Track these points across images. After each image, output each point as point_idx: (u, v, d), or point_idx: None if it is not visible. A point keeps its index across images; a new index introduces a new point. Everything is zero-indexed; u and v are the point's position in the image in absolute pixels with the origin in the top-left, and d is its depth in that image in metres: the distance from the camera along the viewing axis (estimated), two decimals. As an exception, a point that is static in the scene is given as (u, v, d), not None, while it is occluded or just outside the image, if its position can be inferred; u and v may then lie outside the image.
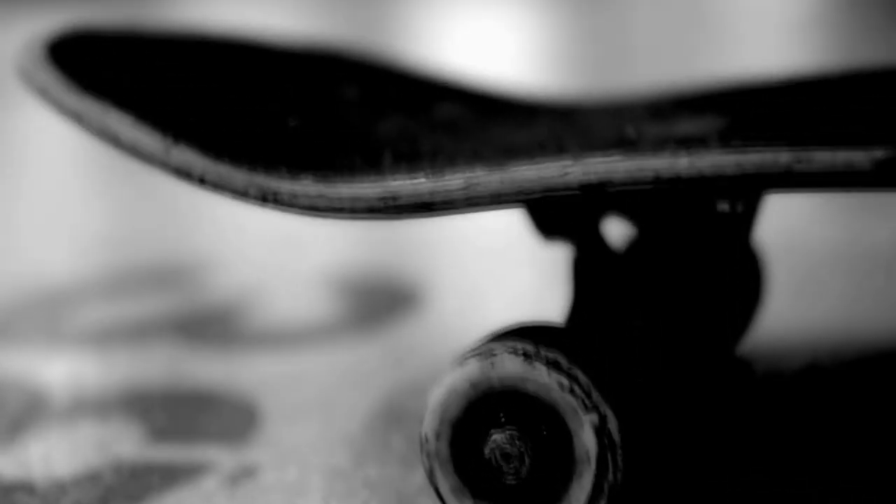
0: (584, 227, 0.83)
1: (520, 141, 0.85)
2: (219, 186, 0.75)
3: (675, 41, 3.26)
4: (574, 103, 1.01)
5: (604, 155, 0.68)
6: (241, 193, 0.74)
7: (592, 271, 0.84)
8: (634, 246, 0.92)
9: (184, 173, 0.75)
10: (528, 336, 0.70)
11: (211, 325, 1.33)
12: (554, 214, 0.82)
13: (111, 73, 0.86)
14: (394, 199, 0.71)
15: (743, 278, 1.01)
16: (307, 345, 1.25)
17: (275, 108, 0.89)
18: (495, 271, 1.47)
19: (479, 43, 3.39)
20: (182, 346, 1.26)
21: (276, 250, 1.61)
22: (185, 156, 0.75)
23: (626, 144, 0.77)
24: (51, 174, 2.35)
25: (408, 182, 0.71)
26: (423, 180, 0.71)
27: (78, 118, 0.78)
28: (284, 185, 0.73)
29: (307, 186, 0.73)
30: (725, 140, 0.70)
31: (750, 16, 3.56)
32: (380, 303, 1.38)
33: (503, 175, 0.69)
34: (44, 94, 0.82)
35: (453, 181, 0.70)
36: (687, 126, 0.82)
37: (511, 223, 1.57)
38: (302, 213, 0.74)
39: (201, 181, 0.75)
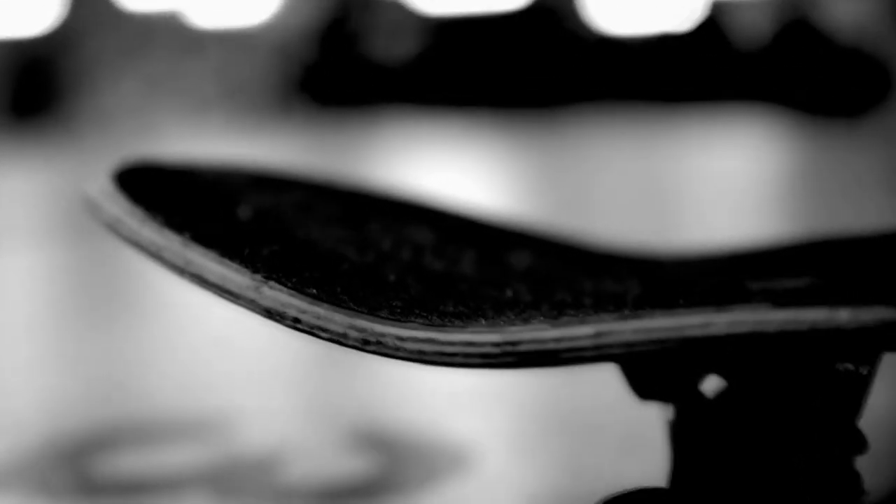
0: (687, 387, 0.80)
1: (612, 291, 0.82)
2: (315, 329, 0.71)
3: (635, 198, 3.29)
4: (651, 255, 0.99)
5: (743, 307, 0.66)
6: (340, 336, 0.70)
7: (695, 434, 0.80)
8: (736, 405, 0.88)
9: (275, 314, 0.71)
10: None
11: (246, 480, 1.29)
12: (657, 372, 0.79)
13: (186, 207, 0.83)
14: (513, 345, 0.67)
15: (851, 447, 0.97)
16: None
17: (355, 251, 0.87)
18: (529, 429, 1.43)
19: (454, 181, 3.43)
20: (217, 501, 1.22)
21: (304, 396, 1.58)
22: (278, 295, 0.71)
23: (740, 298, 0.73)
24: (52, 314, 2.33)
25: (530, 328, 0.67)
26: (547, 327, 0.67)
27: (155, 252, 0.75)
28: (390, 329, 0.69)
29: (415, 331, 0.69)
30: (836, 294, 0.68)
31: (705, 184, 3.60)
32: (417, 459, 1.34)
33: (639, 324, 0.66)
34: (116, 226, 0.80)
35: (582, 328, 0.66)
36: (788, 281, 0.79)
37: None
38: (406, 360, 0.70)
39: (295, 322, 0.71)
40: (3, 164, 9.21)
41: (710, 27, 13.23)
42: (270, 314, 0.71)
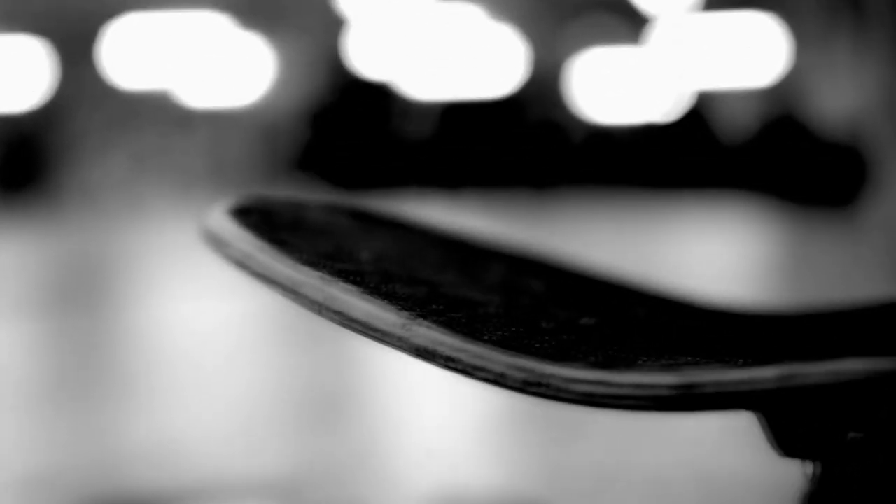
0: (834, 442, 0.76)
1: (749, 341, 0.80)
2: (471, 369, 0.66)
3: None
4: (773, 312, 0.97)
5: None
6: (498, 377, 0.66)
7: (842, 491, 0.77)
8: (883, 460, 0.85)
9: (426, 353, 0.67)
10: None
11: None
12: (805, 425, 0.75)
13: (309, 245, 0.79)
14: (690, 387, 0.64)
15: None
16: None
17: (481, 295, 0.83)
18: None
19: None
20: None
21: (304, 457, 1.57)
22: (431, 333, 0.67)
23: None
24: (34, 386, 2.32)
25: (710, 369, 0.64)
26: (730, 369, 0.64)
27: (292, 289, 0.71)
28: (557, 370, 0.65)
29: (584, 372, 0.65)
30: None
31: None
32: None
33: (829, 367, 0.64)
34: (247, 262, 0.74)
35: (767, 371, 0.64)
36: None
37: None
38: (571, 402, 0.66)
39: (448, 361, 0.67)
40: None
41: (696, 118, 13.33)
42: (421, 353, 0.67)
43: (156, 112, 13.77)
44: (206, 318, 4.54)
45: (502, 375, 0.66)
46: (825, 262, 5.78)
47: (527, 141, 13.21)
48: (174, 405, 2.30)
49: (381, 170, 13.20)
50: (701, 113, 13.38)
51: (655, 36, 13.40)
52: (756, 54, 13.26)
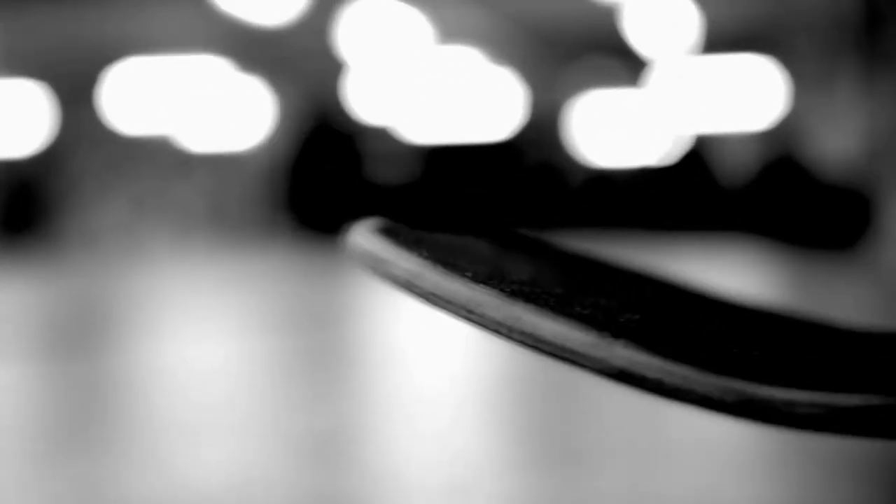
0: None
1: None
2: (681, 392, 0.63)
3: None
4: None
5: None
6: (711, 400, 0.62)
7: None
8: None
9: (629, 375, 0.63)
10: None
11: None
12: None
13: (476, 266, 0.75)
14: None
15: None
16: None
17: (655, 315, 0.80)
18: None
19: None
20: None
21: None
22: (634, 355, 0.63)
23: None
24: (33, 431, 2.30)
25: None
26: None
27: (470, 308, 0.67)
28: (780, 393, 0.62)
29: (812, 395, 0.62)
30: None
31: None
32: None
33: None
34: (415, 281, 0.70)
35: None
36: None
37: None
38: (792, 426, 0.62)
39: (654, 384, 0.63)
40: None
41: (695, 161, 13.35)
42: (623, 375, 0.63)
43: (156, 156, 13.80)
44: (207, 361, 4.53)
45: (717, 398, 0.63)
46: (826, 305, 5.77)
47: (525, 184, 13.22)
48: (177, 450, 2.28)
49: (371, 213, 13.22)
50: (700, 155, 13.40)
51: (654, 79, 13.43)
52: (755, 97, 13.30)
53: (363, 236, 0.77)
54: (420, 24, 12.96)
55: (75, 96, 13.79)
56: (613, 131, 13.61)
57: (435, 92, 13.65)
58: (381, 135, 13.65)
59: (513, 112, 13.73)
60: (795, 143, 12.28)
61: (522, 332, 0.65)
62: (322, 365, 4.41)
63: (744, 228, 11.62)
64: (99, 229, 13.15)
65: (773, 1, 12.62)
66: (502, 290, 0.67)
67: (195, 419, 3.10)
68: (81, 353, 4.82)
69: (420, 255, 0.74)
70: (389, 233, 0.78)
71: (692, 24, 12.86)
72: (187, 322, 6.20)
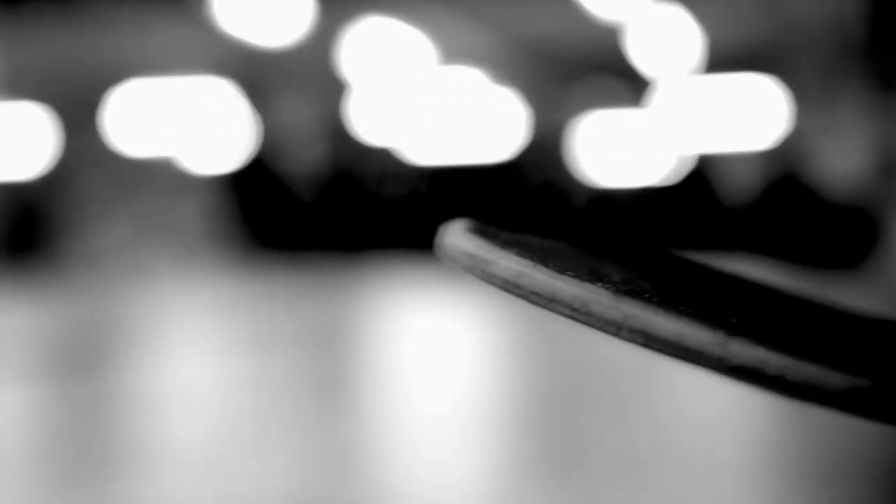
0: None
1: None
2: (800, 388, 0.62)
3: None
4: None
5: None
6: (833, 397, 0.61)
7: None
8: None
9: (751, 373, 0.60)
10: None
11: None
12: None
13: (576, 268, 0.73)
14: None
15: None
16: None
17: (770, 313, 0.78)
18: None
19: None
20: None
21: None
22: (754, 351, 0.61)
23: None
24: (33, 454, 2.28)
25: None
26: None
27: (578, 307, 0.64)
28: None
29: None
30: None
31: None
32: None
33: None
34: (518, 280, 0.68)
35: None
36: None
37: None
38: None
39: (777, 380, 0.61)
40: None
41: (699, 180, 13.34)
42: (742, 373, 0.61)
43: (159, 178, 13.80)
44: (211, 382, 4.51)
45: (838, 396, 0.61)
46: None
47: (529, 204, 13.22)
48: (181, 472, 2.26)
49: (375, 234, 13.21)
50: (704, 175, 13.39)
51: (657, 98, 13.43)
52: (758, 116, 13.30)
53: (460, 236, 0.75)
54: (422, 45, 12.98)
55: (78, 118, 13.80)
56: (616, 151, 13.61)
57: (437, 112, 13.65)
58: (385, 156, 13.66)
59: (515, 132, 13.73)
60: (799, 162, 12.27)
61: (637, 332, 0.63)
62: (326, 385, 4.39)
63: (748, 247, 11.61)
64: (102, 250, 13.15)
65: (776, 21, 12.62)
66: (608, 289, 0.65)
67: (198, 441, 3.08)
68: (85, 375, 4.80)
69: (519, 254, 0.72)
70: (485, 233, 0.76)
71: (695, 43, 12.87)
72: (191, 343, 6.18)
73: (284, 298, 9.09)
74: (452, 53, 13.34)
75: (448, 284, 9.52)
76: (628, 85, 13.42)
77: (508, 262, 0.68)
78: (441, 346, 4.67)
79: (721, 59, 13.28)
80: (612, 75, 13.47)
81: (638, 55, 12.81)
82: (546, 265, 0.68)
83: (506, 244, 0.74)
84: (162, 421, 3.60)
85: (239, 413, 3.72)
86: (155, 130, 13.76)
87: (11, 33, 12.75)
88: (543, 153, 13.63)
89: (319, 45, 12.57)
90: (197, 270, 12.50)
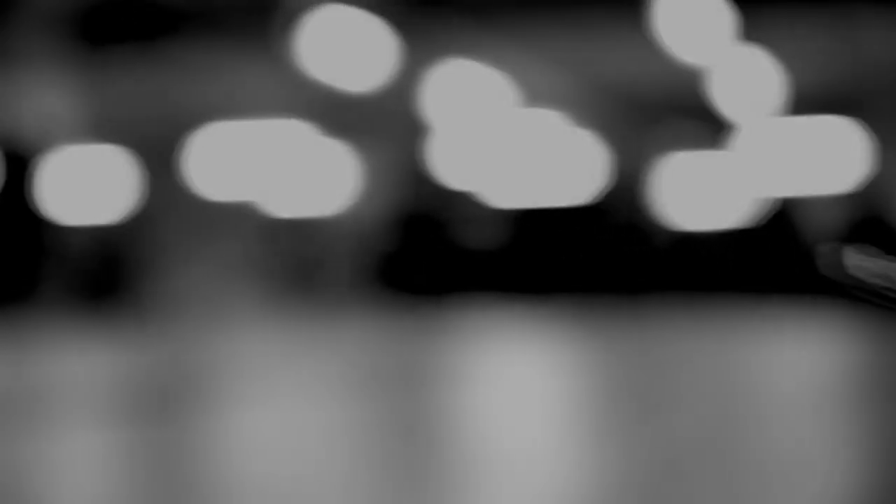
0: None
1: None
2: None
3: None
4: None
5: None
6: None
7: None
8: None
9: None
10: None
11: None
12: None
13: None
14: None
15: None
16: None
17: None
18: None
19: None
20: None
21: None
22: None
23: None
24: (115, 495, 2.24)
25: None
26: None
27: None
28: None
29: None
30: None
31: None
32: None
33: None
34: None
35: None
36: None
37: None
38: None
39: None
40: (77, 345, 9.23)
41: (781, 223, 13.24)
42: None
43: (239, 221, 13.87)
44: (292, 427, 4.50)
45: None
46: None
47: (610, 247, 13.17)
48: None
49: (458, 278, 13.20)
50: (786, 218, 13.29)
51: (738, 141, 13.36)
52: (840, 158, 13.19)
53: (863, 259, 0.75)
54: (503, 88, 12.98)
55: (159, 162, 13.91)
56: (698, 193, 13.54)
57: (518, 155, 13.64)
58: (466, 199, 13.65)
59: (595, 175, 13.69)
60: (882, 203, 12.15)
61: None
62: (409, 429, 4.36)
63: (834, 291, 11.47)
64: (183, 295, 13.21)
65: (858, 63, 12.54)
66: None
67: (279, 486, 3.06)
68: (167, 419, 4.81)
69: None
70: (874, 252, 0.75)
71: (776, 86, 12.80)
72: (272, 388, 6.18)
73: (364, 342, 9.09)
74: (533, 96, 13.34)
75: (530, 328, 9.49)
76: (709, 127, 13.36)
77: None
78: (521, 389, 4.63)
79: (803, 102, 13.20)
80: (693, 118, 13.42)
81: (719, 97, 12.75)
82: None
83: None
84: (242, 464, 3.58)
85: (320, 457, 3.70)
86: (236, 174, 13.84)
87: (95, 77, 12.88)
88: (624, 195, 13.58)
89: (401, 88, 12.60)
90: (276, 314, 12.54)
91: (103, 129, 13.74)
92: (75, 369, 7.24)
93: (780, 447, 2.81)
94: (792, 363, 6.21)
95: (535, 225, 13.57)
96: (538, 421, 4.36)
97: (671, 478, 3.09)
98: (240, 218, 13.90)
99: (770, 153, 13.33)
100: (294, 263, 13.73)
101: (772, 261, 12.95)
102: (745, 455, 3.38)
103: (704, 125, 13.41)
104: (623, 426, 4.15)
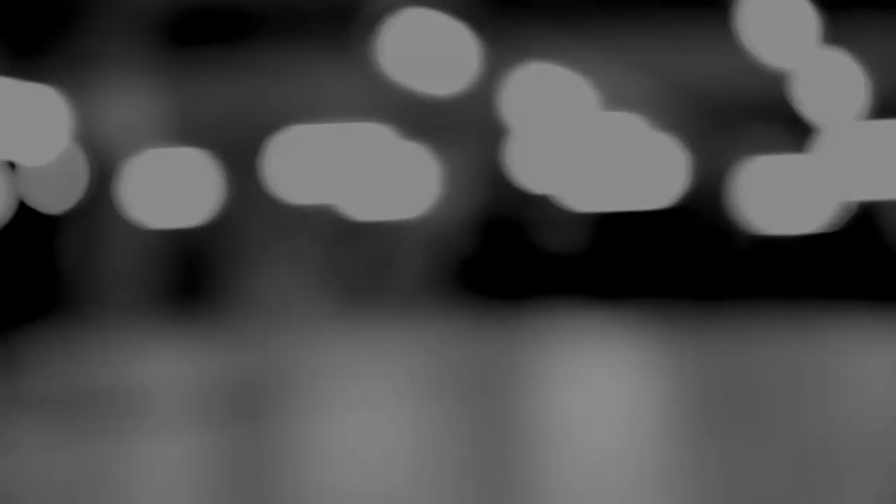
0: None
1: None
2: None
3: None
4: None
5: None
6: None
7: None
8: None
9: None
10: None
11: None
12: None
13: None
14: None
15: None
16: None
17: None
18: None
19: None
20: None
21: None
22: None
23: None
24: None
25: None
26: None
27: None
28: None
29: None
30: None
31: None
32: None
33: None
34: None
35: None
36: None
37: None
38: None
39: None
40: (161, 347, 9.30)
41: (865, 227, 13.10)
42: None
43: (320, 224, 13.92)
44: (373, 429, 4.50)
45: None
46: None
47: (691, 251, 13.09)
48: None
49: (538, 281, 13.17)
50: (869, 221, 13.15)
51: (822, 144, 13.24)
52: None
53: None
54: (584, 91, 12.94)
55: (241, 165, 14.00)
56: (781, 197, 13.43)
57: (598, 158, 13.60)
58: (547, 203, 13.63)
59: (676, 178, 13.62)
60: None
61: None
62: (487, 433, 4.35)
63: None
64: (265, 297, 13.29)
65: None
66: None
67: (364, 487, 3.06)
68: (250, 421, 4.83)
69: None
70: None
71: (861, 89, 12.67)
72: (353, 389, 6.19)
73: (444, 346, 9.09)
74: (614, 99, 13.29)
75: (610, 332, 9.45)
76: (793, 131, 13.25)
77: None
78: (604, 394, 4.61)
79: (887, 105, 13.05)
80: (776, 121, 13.31)
81: (804, 101, 12.64)
82: None
83: None
84: (325, 466, 3.59)
85: (403, 459, 3.70)
86: (316, 177, 13.90)
87: (179, 81, 12.98)
88: (707, 199, 13.50)
89: (482, 92, 12.60)
90: (355, 317, 12.57)
91: (186, 133, 13.85)
92: (160, 371, 7.30)
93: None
94: (877, 368, 6.14)
95: (615, 228, 13.52)
96: (628, 425, 4.34)
97: (783, 482, 3.07)
98: (320, 221, 13.95)
99: (854, 157, 13.20)
100: (373, 266, 13.76)
101: (854, 265, 12.82)
102: (857, 457, 3.34)
103: (788, 128, 13.30)
104: (722, 429, 4.12)
